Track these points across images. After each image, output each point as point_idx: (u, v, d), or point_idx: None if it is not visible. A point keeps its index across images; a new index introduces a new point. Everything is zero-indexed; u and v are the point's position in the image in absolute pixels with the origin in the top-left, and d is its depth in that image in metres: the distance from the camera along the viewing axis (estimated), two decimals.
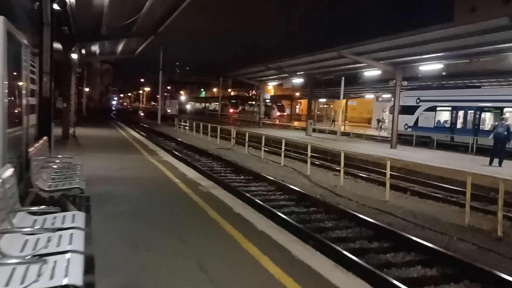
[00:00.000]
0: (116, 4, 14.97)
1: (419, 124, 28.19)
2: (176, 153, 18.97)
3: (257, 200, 10.02)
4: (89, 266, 4.33)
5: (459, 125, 25.72)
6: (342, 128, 35.03)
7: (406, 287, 5.46)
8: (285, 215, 9.00)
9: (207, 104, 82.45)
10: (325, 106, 66.00)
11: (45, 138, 7.40)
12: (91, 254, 4.58)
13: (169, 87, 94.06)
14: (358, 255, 6.73)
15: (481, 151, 21.86)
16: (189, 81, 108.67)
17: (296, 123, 47.93)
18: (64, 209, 5.83)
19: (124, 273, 4.22)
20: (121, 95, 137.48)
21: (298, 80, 34.65)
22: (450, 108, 26.44)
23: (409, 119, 28.15)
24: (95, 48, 27.05)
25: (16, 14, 10.39)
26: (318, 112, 58.58)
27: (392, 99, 37.23)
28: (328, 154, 19.36)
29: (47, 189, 5.65)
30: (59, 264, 2.95)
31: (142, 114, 70.37)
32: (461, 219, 9.51)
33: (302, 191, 11.39)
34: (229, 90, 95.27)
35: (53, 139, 9.12)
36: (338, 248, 6.77)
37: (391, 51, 19.90)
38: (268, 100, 61.55)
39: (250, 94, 79.34)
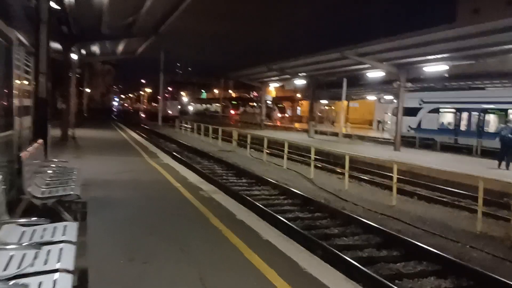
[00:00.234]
0: (116, 2, 14.68)
1: (422, 126, 27.85)
2: (177, 155, 18.65)
3: (260, 206, 9.68)
4: (82, 281, 4.03)
5: (463, 127, 25.39)
6: (343, 130, 34.67)
7: None
8: (290, 221, 8.68)
9: (208, 106, 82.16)
10: (325, 107, 65.63)
11: (40, 141, 7.07)
12: (84, 267, 4.27)
13: (170, 88, 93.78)
14: (367, 265, 6.41)
15: (485, 153, 21.56)
16: (190, 82, 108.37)
17: (297, 125, 47.63)
18: (58, 217, 5.52)
19: None
20: (123, 96, 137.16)
21: (300, 82, 34.32)
22: (453, 110, 26.12)
23: (412, 121, 27.81)
24: (96, 48, 26.76)
25: (13, 11, 10.08)
26: (319, 114, 58.23)
27: (394, 100, 37.08)
28: (331, 156, 19.04)
29: (40, 196, 5.33)
30: (45, 287, 2.63)
31: (143, 115, 70.08)
32: (472, 225, 9.19)
33: (306, 195, 11.07)
34: (230, 91, 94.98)
35: (49, 141, 8.81)
36: (347, 258, 6.43)
37: (395, 52, 19.59)
38: (269, 102, 61.22)
39: (252, 96, 79.03)
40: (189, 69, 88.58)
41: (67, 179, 6.38)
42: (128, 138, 21.36)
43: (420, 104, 27.89)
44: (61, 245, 3.40)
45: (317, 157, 17.06)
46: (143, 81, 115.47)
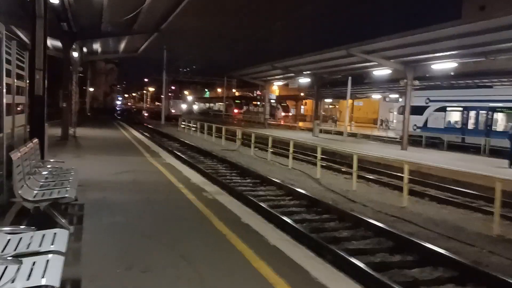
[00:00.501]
0: None
1: (429, 125, 27.46)
2: (180, 154, 18.31)
3: (267, 208, 9.31)
4: None
5: (470, 126, 24.99)
6: (348, 129, 34.26)
7: None
8: (296, 223, 8.32)
9: (211, 105, 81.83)
10: (330, 106, 65.16)
11: (35, 140, 6.73)
12: (77, 278, 3.94)
13: (173, 87, 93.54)
14: (380, 271, 6.04)
15: (494, 152, 21.17)
16: (193, 81, 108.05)
17: (301, 124, 47.21)
18: (52, 221, 5.18)
19: None
20: (126, 95, 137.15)
21: (304, 80, 33.90)
22: (461, 109, 25.71)
23: (418, 120, 27.39)
24: (97, 46, 26.47)
25: (9, 6, 9.76)
26: (323, 113, 57.78)
27: (400, 99, 36.60)
28: (337, 156, 18.66)
29: (32, 199, 4.98)
30: None
31: (146, 114, 69.82)
32: (487, 228, 8.80)
33: (313, 196, 10.70)
34: (233, 90, 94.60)
35: (46, 141, 8.47)
36: (360, 265, 6.05)
37: (403, 49, 19.16)
38: (273, 101, 60.84)
39: (255, 95, 78.63)
40: (194, 67, 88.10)
41: (62, 180, 6.04)
42: (130, 137, 21.03)
43: (426, 103, 27.47)
44: (49, 256, 3.05)
45: (323, 156, 16.69)
46: (146, 80, 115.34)
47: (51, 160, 7.33)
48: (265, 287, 3.98)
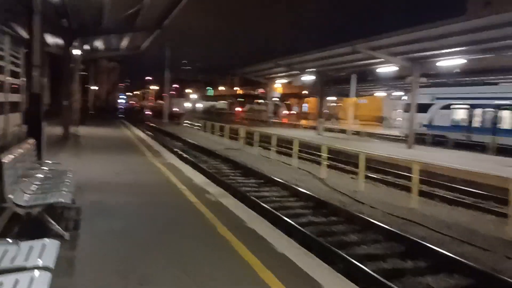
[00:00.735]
0: None
1: (434, 123, 27.04)
2: (182, 154, 18.01)
3: (273, 211, 8.99)
4: None
5: (476, 124, 24.59)
6: (351, 127, 33.88)
7: None
8: (303, 227, 8.00)
9: (213, 103, 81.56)
10: (332, 104, 64.65)
11: (31, 140, 6.42)
12: None
13: (176, 86, 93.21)
14: (393, 278, 5.72)
15: (501, 151, 20.80)
16: (195, 80, 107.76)
17: (304, 122, 46.84)
18: (45, 228, 4.88)
19: None
20: (129, 94, 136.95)
21: (308, 78, 33.50)
22: (467, 106, 25.29)
23: (423, 118, 26.96)
24: (99, 43, 26.12)
25: (6, 1, 9.44)
26: (325, 111, 57.31)
27: (404, 97, 36.18)
28: (342, 155, 18.30)
29: (24, 204, 4.67)
30: None
31: (148, 112, 69.53)
32: (501, 231, 8.46)
33: (320, 198, 10.37)
34: (235, 88, 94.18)
35: (44, 140, 8.17)
36: (372, 273, 5.72)
37: (410, 45, 18.74)
38: (277, 99, 60.46)
39: (257, 93, 78.25)
40: (197, 64, 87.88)
41: (59, 183, 5.71)
42: (132, 136, 20.75)
43: (431, 100, 27.07)
44: (34, 273, 2.73)
45: (328, 155, 16.34)
46: (149, 78, 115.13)
47: (48, 161, 7.00)
48: None
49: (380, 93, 46.97)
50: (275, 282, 4.06)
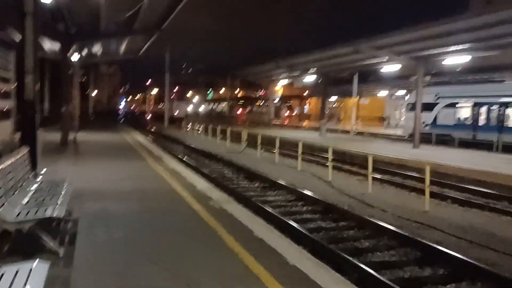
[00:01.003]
0: None
1: (438, 122, 26.64)
2: (184, 158, 17.64)
3: (280, 217, 8.59)
4: None
5: (482, 122, 24.19)
6: (354, 127, 33.52)
7: None
8: (312, 233, 7.62)
9: (214, 106, 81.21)
10: (334, 105, 64.22)
11: (23, 149, 6.06)
12: None
13: (176, 89, 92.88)
14: None
15: (507, 149, 20.42)
16: (196, 82, 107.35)
17: (305, 123, 46.48)
18: (39, 244, 4.51)
19: None
20: (130, 98, 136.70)
21: (310, 78, 33.14)
22: (471, 104, 24.89)
23: (427, 117, 26.56)
24: (98, 48, 25.81)
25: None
26: (327, 111, 56.88)
27: (406, 97, 35.75)
28: (347, 156, 17.93)
29: (13, 220, 4.30)
30: None
31: (149, 117, 69.22)
32: None
33: (327, 201, 9.98)
34: (237, 90, 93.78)
35: (39, 149, 7.81)
36: (392, 284, 5.33)
37: (414, 43, 18.38)
38: (278, 100, 60.11)
39: (258, 95, 77.85)
40: (197, 66, 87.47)
41: (52, 195, 5.35)
42: (132, 141, 20.40)
43: (435, 99, 26.67)
44: None
45: (333, 157, 15.98)
46: (149, 82, 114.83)
47: (43, 171, 6.64)
48: None
49: (383, 93, 46.55)
50: None
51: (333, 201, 10.25)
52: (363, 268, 5.84)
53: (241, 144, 23.17)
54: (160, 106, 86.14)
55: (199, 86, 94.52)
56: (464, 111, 25.52)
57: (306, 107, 67.67)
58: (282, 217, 8.43)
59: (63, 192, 5.52)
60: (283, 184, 12.11)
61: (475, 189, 12.08)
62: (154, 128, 41.98)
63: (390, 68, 23.48)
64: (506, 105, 22.84)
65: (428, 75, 28.33)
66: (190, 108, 78.54)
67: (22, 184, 5.44)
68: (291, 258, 4.82)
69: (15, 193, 5.00)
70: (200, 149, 21.65)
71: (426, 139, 25.52)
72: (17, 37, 7.47)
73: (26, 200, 5.01)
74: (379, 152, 16.82)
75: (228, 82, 63.10)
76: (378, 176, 13.84)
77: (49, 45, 20.94)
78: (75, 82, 24.32)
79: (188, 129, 36.82)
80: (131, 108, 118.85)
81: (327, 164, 14.47)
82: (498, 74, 29.87)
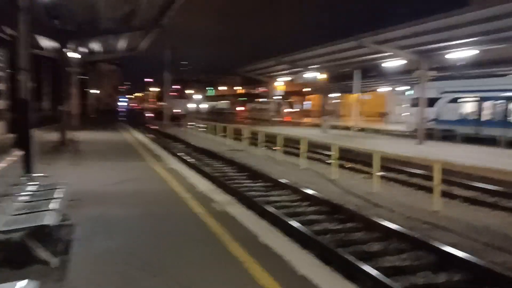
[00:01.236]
0: None
1: (441, 117, 26.27)
2: (185, 158, 17.30)
3: (284, 219, 8.27)
4: None
5: (486, 117, 23.82)
6: (355, 124, 33.15)
7: None
8: (318, 235, 7.31)
9: (215, 103, 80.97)
10: (335, 101, 63.83)
11: (15, 152, 5.74)
12: None
13: (176, 86, 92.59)
14: None
15: (511, 144, 20.12)
16: (196, 80, 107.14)
17: (307, 120, 46.12)
18: (28, 254, 4.20)
19: None
20: (130, 96, 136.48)
21: (312, 75, 32.75)
22: (475, 99, 24.52)
23: (430, 112, 26.20)
24: (97, 45, 25.44)
25: None
26: (328, 108, 56.51)
27: (407, 92, 35.34)
28: (352, 153, 17.59)
29: (3, 229, 3.99)
30: None
31: (150, 115, 68.87)
32: None
33: (333, 201, 9.66)
34: (235, 88, 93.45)
35: (34, 151, 7.48)
36: None
37: (418, 37, 18.04)
38: (279, 97, 59.74)
39: (259, 92, 77.57)
40: (198, 64, 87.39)
41: (46, 200, 5.04)
42: (132, 140, 20.08)
43: (438, 94, 26.30)
44: None
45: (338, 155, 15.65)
46: (150, 80, 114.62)
47: (37, 175, 6.33)
48: None
49: (385, 89, 46.12)
50: None
51: (339, 200, 9.94)
52: (374, 276, 5.51)
53: (242, 141, 22.86)
54: (160, 104, 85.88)
55: (199, 83, 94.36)
56: (468, 106, 25.13)
57: (308, 104, 67.36)
58: (287, 220, 8.10)
59: (58, 197, 5.22)
60: (287, 183, 11.78)
61: (484, 188, 11.74)
62: (155, 126, 41.65)
63: (392, 63, 23.11)
64: (510, 99, 22.46)
65: (432, 69, 27.95)
66: (190, 106, 78.19)
67: (14, 189, 5.12)
68: (300, 267, 4.51)
69: (6, 199, 4.68)
70: (201, 147, 21.32)
71: (429, 134, 25.18)
72: (10, 34, 7.16)
73: (17, 206, 4.69)
74: (383, 149, 16.48)
75: (229, 79, 62.68)
76: (384, 174, 13.50)
77: (48, 43, 20.60)
78: (74, 80, 23.99)
79: (188, 127, 36.51)
80: (132, 106, 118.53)
81: (330, 161, 14.14)
82: (503, 68, 29.44)
